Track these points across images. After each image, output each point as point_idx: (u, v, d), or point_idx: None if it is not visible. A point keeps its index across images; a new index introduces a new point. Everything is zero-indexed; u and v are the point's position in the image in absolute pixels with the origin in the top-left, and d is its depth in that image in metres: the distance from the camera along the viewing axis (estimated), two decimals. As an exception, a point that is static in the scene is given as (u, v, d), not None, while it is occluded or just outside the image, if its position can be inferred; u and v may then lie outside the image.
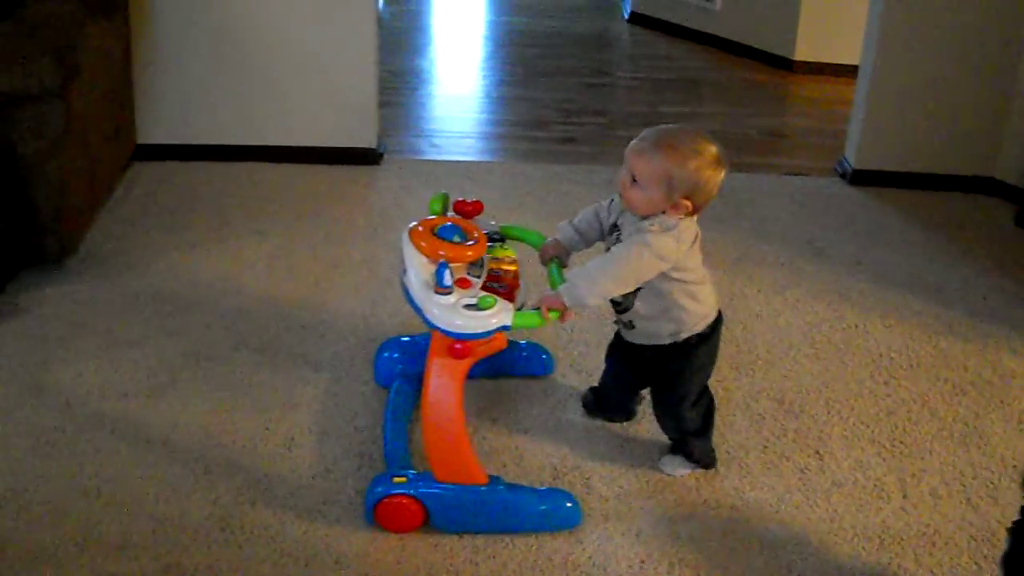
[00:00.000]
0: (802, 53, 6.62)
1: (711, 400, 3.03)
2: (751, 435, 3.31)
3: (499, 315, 2.55)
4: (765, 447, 3.27)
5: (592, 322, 3.73)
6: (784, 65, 6.67)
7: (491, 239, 2.87)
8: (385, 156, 5.19)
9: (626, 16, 7.82)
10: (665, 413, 3.03)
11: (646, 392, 3.20)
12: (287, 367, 3.58)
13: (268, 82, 4.93)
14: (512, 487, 2.84)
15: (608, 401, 3.25)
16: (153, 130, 4.97)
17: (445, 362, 2.65)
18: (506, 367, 3.40)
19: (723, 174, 2.67)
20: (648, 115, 5.83)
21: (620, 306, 2.86)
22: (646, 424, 3.24)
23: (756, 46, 6.85)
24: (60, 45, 3.79)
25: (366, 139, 5.09)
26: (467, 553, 2.76)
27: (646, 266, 2.63)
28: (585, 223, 2.92)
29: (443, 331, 2.57)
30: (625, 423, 3.27)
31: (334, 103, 4.98)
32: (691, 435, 3.00)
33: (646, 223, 2.67)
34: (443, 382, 2.68)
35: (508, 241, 2.99)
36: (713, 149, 2.65)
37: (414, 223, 2.73)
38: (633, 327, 2.89)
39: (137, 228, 4.48)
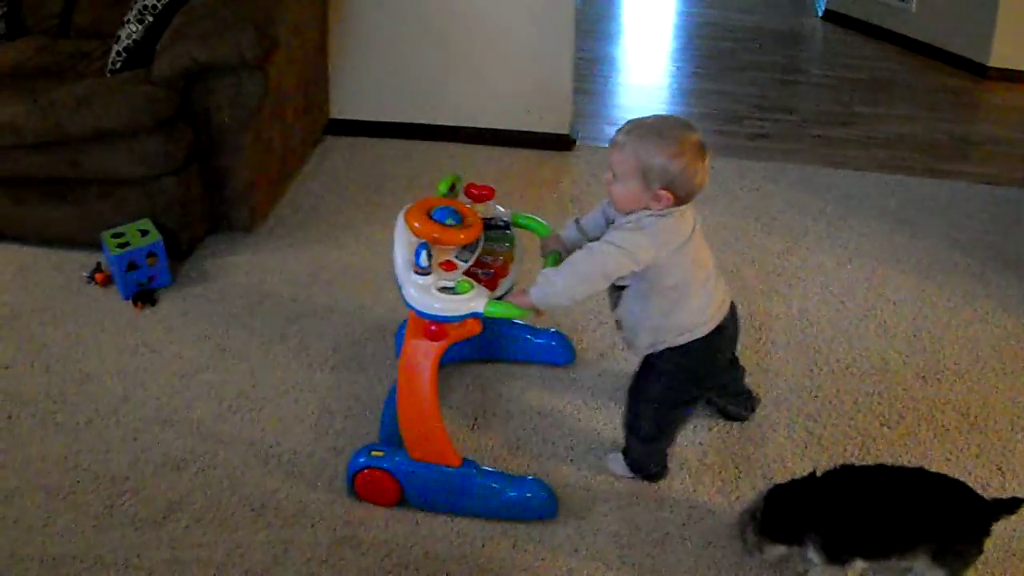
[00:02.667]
0: (997, 59, 6.37)
1: (680, 420, 2.96)
2: (933, 446, 3.18)
3: (473, 301, 2.55)
4: (947, 459, 3.16)
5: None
6: (977, 71, 6.43)
7: (496, 226, 2.89)
8: (577, 143, 5.20)
9: (820, 13, 7.67)
10: (627, 405, 2.95)
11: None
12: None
13: (464, 63, 4.97)
14: (486, 472, 2.86)
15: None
16: (346, 105, 5.07)
17: (420, 343, 2.67)
18: (527, 354, 3.45)
19: (704, 162, 2.55)
20: (840, 114, 5.69)
21: (613, 309, 2.82)
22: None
23: (950, 49, 6.62)
24: (260, 18, 3.89)
25: (560, 124, 5.09)
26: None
27: (612, 264, 2.55)
28: (591, 221, 2.87)
29: (416, 311, 2.59)
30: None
31: (529, 87, 5.00)
32: (634, 435, 2.94)
33: (623, 220, 2.61)
34: (417, 363, 2.70)
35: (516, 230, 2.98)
36: (689, 137, 2.55)
37: (411, 203, 2.74)
38: (619, 326, 2.85)
39: (326, 202, 4.59)
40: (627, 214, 2.62)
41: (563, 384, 3.45)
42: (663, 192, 2.53)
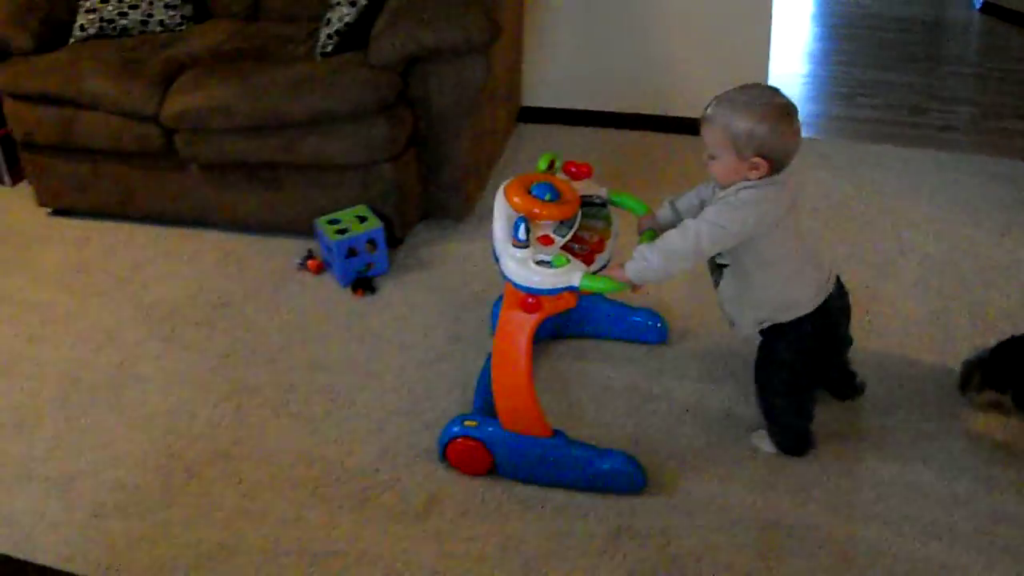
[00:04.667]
0: None
1: (805, 397, 2.96)
2: None
3: (569, 274, 2.60)
4: None
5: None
6: None
7: (593, 203, 2.92)
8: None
9: (977, 6, 7.52)
10: (756, 389, 2.99)
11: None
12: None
13: (659, 52, 4.88)
14: (576, 444, 2.90)
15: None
16: (538, 92, 5.02)
17: (515, 315, 2.72)
18: (621, 332, 3.48)
19: (791, 124, 2.56)
20: (1020, 107, 5.56)
21: (715, 287, 2.83)
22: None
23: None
24: (487, 2, 3.85)
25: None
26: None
27: (706, 241, 2.58)
28: (685, 202, 2.90)
29: (513, 283, 2.65)
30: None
31: (723, 77, 4.90)
32: (770, 417, 2.97)
33: (722, 193, 2.63)
34: (512, 334, 2.76)
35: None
36: (773, 99, 2.56)
37: (512, 178, 2.79)
38: (723, 308, 2.87)
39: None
40: (724, 188, 2.64)
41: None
42: (757, 159, 2.55)
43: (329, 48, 3.95)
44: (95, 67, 4.08)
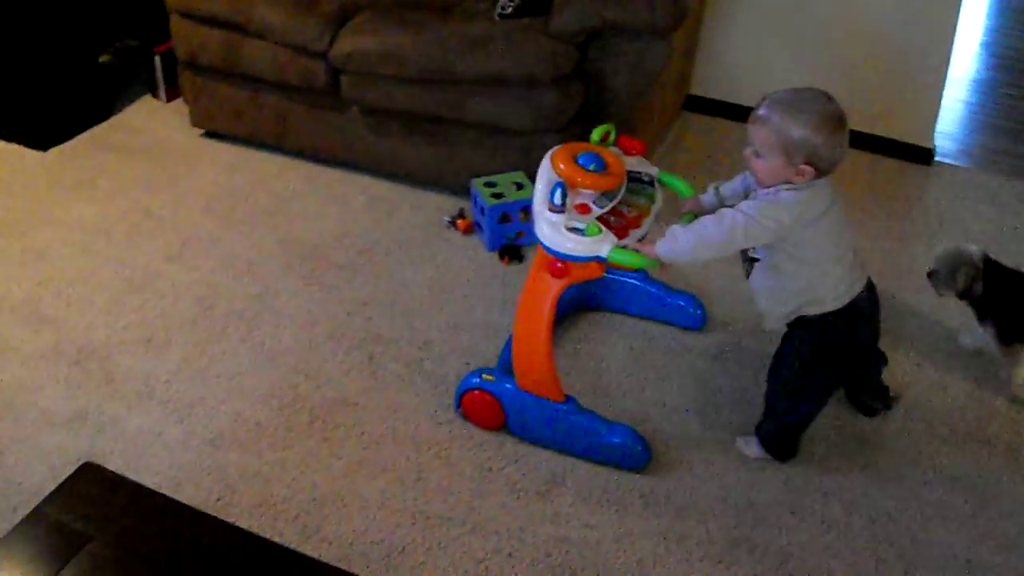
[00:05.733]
0: None
1: (817, 402, 2.95)
2: None
3: (598, 244, 2.63)
4: None
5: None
6: None
7: (641, 180, 2.93)
8: (937, 159, 4.92)
9: None
10: (768, 383, 2.96)
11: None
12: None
13: (835, 58, 4.74)
14: (585, 412, 2.96)
15: None
16: (707, 83, 4.93)
17: (542, 277, 2.77)
18: (659, 312, 3.52)
19: (843, 134, 2.57)
20: None
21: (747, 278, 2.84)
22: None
23: None
24: (677, -17, 3.75)
25: (922, 135, 4.84)
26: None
27: (740, 233, 2.58)
28: (730, 189, 2.91)
29: (543, 245, 2.69)
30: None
31: (898, 94, 4.77)
32: (770, 412, 2.96)
33: (762, 191, 2.64)
34: (538, 295, 2.81)
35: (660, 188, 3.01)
36: (829, 108, 2.56)
37: (560, 146, 2.83)
38: (754, 299, 2.86)
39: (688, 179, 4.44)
40: (765, 187, 2.64)
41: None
42: (805, 167, 2.55)
43: (509, 10, 3.91)
44: (269, -4, 4.06)
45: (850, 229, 2.77)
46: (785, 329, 2.88)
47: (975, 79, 6.12)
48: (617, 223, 2.79)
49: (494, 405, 3.00)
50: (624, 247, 2.69)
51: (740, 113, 4.59)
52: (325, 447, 3.00)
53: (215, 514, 2.39)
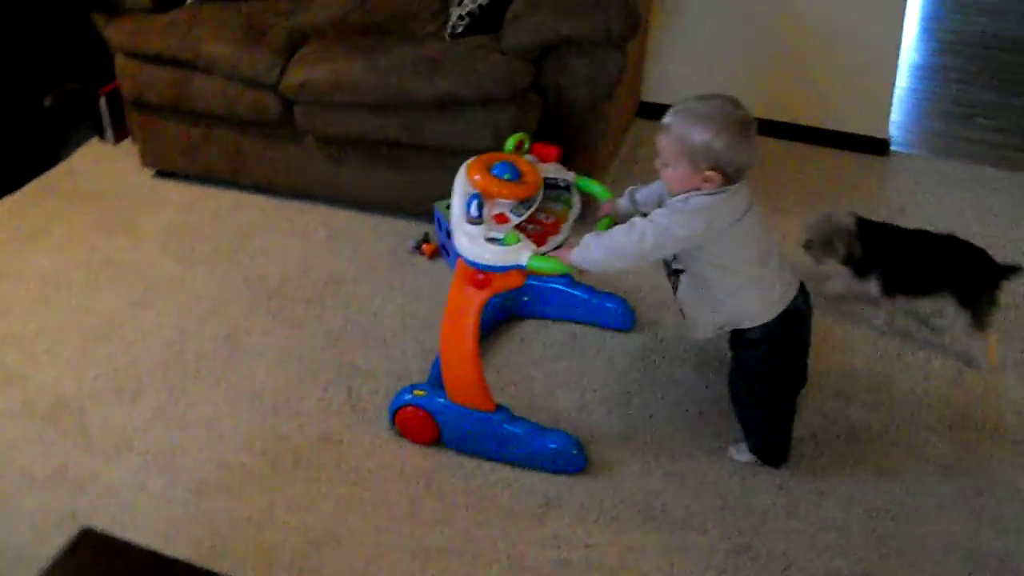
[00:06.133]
0: None
1: (785, 401, 2.95)
2: None
3: (517, 253, 2.66)
4: None
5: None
6: None
7: (557, 186, 2.95)
8: (892, 148, 4.95)
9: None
10: (733, 405, 2.99)
11: None
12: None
13: (788, 56, 4.76)
14: (518, 420, 2.97)
15: None
16: (658, 89, 4.92)
17: (465, 289, 2.79)
18: (588, 315, 3.54)
19: (748, 139, 2.59)
20: None
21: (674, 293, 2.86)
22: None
23: None
24: (631, -6, 3.74)
25: (875, 127, 4.87)
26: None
27: (650, 242, 2.59)
28: (645, 194, 2.94)
29: (463, 258, 2.72)
30: None
31: (849, 88, 4.78)
32: (747, 425, 2.98)
33: (674, 199, 2.66)
34: (461, 308, 2.83)
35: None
36: (733, 114, 2.58)
37: (474, 157, 2.84)
38: (682, 313, 2.89)
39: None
40: (675, 195, 2.66)
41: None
42: (711, 173, 2.57)
43: (460, 29, 3.89)
44: (215, 30, 4.04)
45: (768, 233, 2.79)
46: (715, 337, 2.91)
47: (920, 64, 6.17)
48: (535, 231, 2.83)
49: (427, 420, 3.01)
50: (543, 254, 2.71)
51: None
52: (313, 487, 2.97)
53: (208, 565, 2.35)
